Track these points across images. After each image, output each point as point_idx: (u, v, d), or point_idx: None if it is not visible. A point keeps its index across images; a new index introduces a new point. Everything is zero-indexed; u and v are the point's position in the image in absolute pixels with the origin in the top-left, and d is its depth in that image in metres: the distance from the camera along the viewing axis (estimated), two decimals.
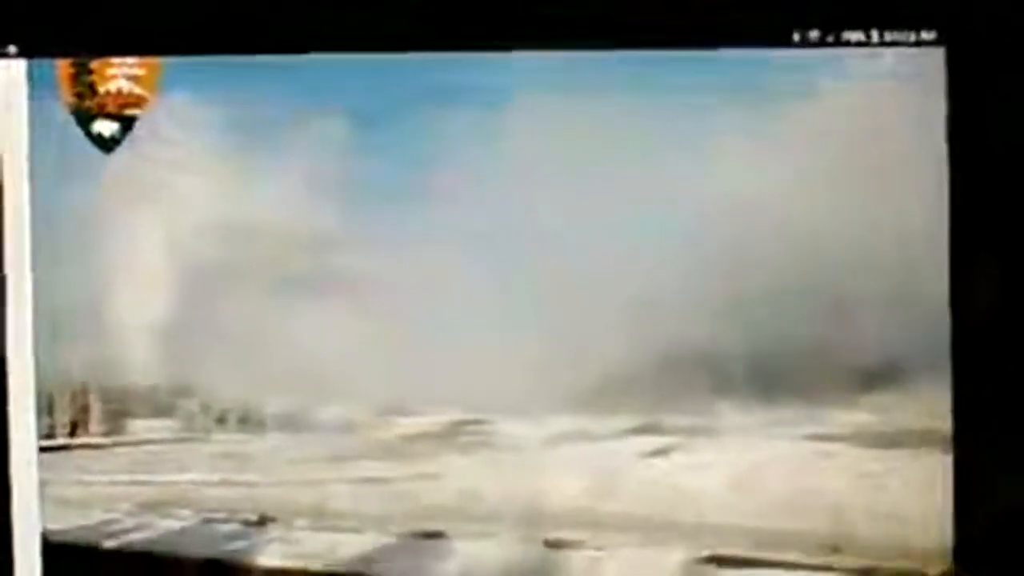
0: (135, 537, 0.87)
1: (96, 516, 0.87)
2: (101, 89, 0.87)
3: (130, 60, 0.87)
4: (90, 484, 0.87)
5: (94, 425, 0.88)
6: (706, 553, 0.85)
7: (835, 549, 0.85)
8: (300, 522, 0.87)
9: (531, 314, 0.87)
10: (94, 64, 0.87)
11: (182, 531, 0.87)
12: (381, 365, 0.87)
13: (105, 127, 0.88)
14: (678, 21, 0.85)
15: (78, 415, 0.87)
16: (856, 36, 0.85)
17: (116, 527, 0.87)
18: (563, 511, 0.87)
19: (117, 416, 0.88)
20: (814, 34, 0.85)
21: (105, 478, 0.88)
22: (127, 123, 0.88)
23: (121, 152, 0.87)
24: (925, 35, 0.85)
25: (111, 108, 0.87)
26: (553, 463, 0.87)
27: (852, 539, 0.85)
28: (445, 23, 0.86)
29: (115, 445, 0.88)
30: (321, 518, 0.88)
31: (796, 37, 0.85)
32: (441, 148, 0.87)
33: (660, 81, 0.85)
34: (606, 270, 0.87)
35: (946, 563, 0.84)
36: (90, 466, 0.88)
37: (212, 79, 0.86)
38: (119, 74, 0.87)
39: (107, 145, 0.88)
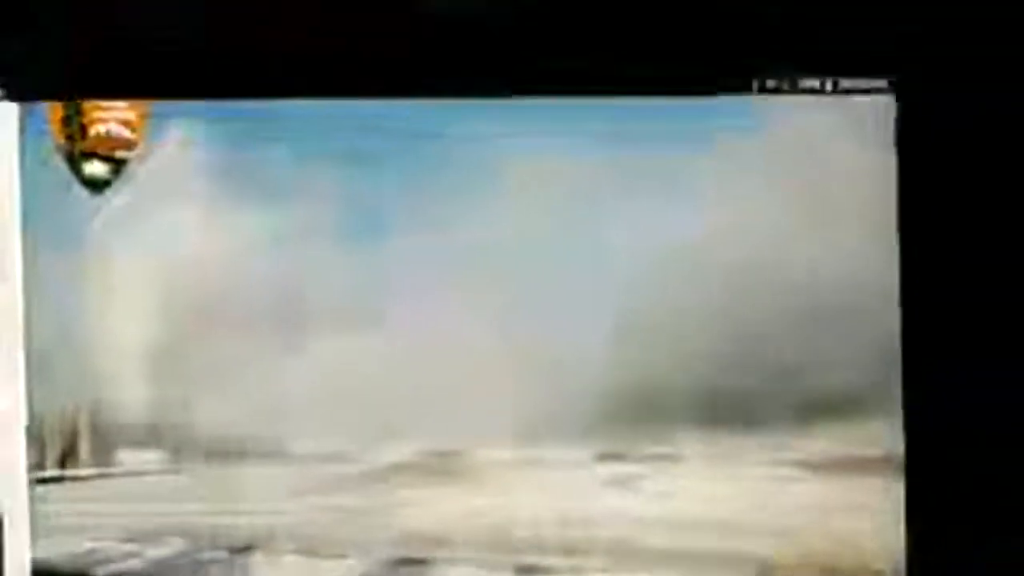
0: (124, 565, 0.89)
1: (85, 545, 0.89)
2: (92, 131, 0.90)
3: (121, 103, 0.90)
4: (80, 514, 0.89)
5: (84, 456, 0.89)
6: None
7: (793, 573, 0.88)
8: (285, 549, 0.89)
9: (504, 348, 0.90)
10: (85, 106, 0.90)
11: (170, 559, 0.89)
12: (361, 397, 0.90)
13: (96, 169, 0.90)
14: (636, 71, 0.89)
15: (69, 446, 0.89)
16: (810, 83, 0.90)
17: (105, 555, 0.89)
18: (534, 538, 0.89)
19: (107, 447, 0.90)
20: (771, 82, 0.90)
21: (95, 508, 0.90)
22: (118, 165, 0.90)
23: (112, 194, 0.91)
24: (876, 83, 0.90)
25: (102, 150, 0.90)
26: (525, 491, 0.89)
27: (810, 563, 0.89)
28: (424, 74, 0.90)
29: (105, 476, 0.90)
30: (305, 545, 0.90)
31: (754, 85, 0.90)
32: (425, 191, 0.90)
33: (615, 129, 0.89)
34: (573, 305, 0.90)
35: None
36: (80, 496, 0.89)
37: (203, 122, 0.89)
38: (110, 117, 0.90)
39: (98, 187, 0.89)
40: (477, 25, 0.88)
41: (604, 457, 0.89)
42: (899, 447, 0.87)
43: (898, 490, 0.88)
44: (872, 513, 0.88)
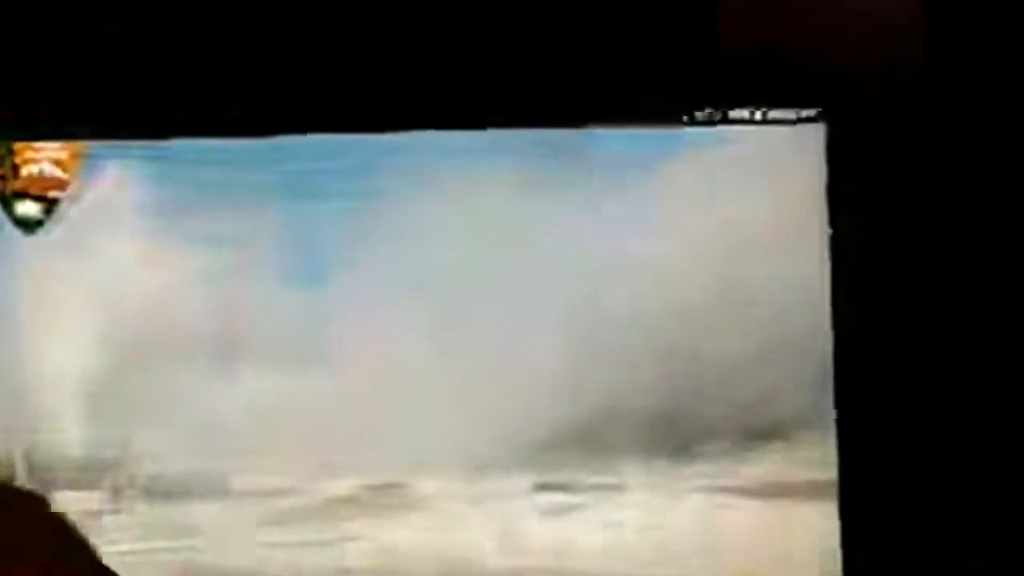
0: None
1: None
2: (24, 172, 0.89)
3: (53, 143, 0.90)
4: None
5: None
6: None
7: None
8: None
9: (445, 381, 0.91)
10: (17, 146, 0.89)
11: None
12: (304, 433, 0.90)
13: (28, 209, 0.89)
14: (577, 101, 0.90)
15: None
16: (742, 114, 0.91)
17: None
18: (478, 568, 0.90)
19: (44, 487, 0.89)
20: (702, 113, 0.91)
21: None
22: (50, 205, 0.90)
23: (44, 234, 0.90)
24: (806, 113, 0.91)
25: (34, 190, 0.89)
26: (467, 522, 0.90)
27: None
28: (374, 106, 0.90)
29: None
30: None
31: (685, 116, 0.91)
32: (367, 224, 0.90)
33: (555, 159, 0.90)
34: (513, 340, 0.90)
35: None
36: None
37: (135, 161, 0.88)
38: (42, 157, 0.90)
39: (30, 227, 0.89)
40: (411, 57, 0.89)
41: (545, 487, 0.90)
42: (832, 471, 0.89)
43: (832, 512, 0.89)
44: (808, 535, 0.89)
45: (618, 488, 0.90)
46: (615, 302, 0.90)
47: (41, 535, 0.39)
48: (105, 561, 0.93)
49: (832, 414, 0.89)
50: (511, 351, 0.90)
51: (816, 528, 0.89)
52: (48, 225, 0.89)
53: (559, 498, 0.90)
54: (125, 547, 0.88)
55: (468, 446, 0.90)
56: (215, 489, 0.89)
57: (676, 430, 0.90)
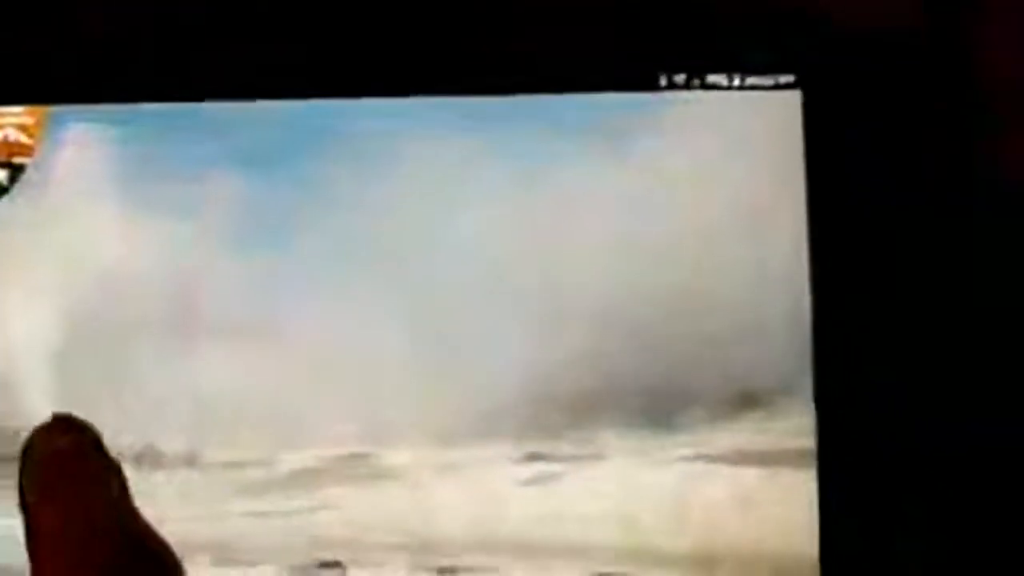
0: None
1: None
2: None
3: (17, 108, 0.88)
4: None
5: None
6: (592, 573, 0.89)
7: (713, 564, 0.89)
8: (200, 557, 0.88)
9: (416, 349, 0.90)
10: None
11: None
12: (272, 402, 0.89)
13: None
14: (547, 65, 0.89)
15: None
16: (718, 79, 0.90)
17: (10, 573, 0.87)
18: (454, 539, 0.89)
19: (7, 461, 0.88)
20: (679, 78, 0.90)
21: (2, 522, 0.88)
22: (15, 171, 0.88)
23: (8, 200, 0.89)
24: (783, 79, 0.90)
25: None
26: (442, 492, 0.89)
27: (729, 554, 0.89)
28: (330, 71, 0.89)
29: (8, 488, 0.88)
30: (220, 552, 0.89)
31: (662, 81, 0.90)
32: (329, 191, 0.89)
33: (520, 126, 0.89)
34: (488, 306, 0.89)
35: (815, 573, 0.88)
36: None
37: (100, 127, 0.88)
38: (6, 122, 0.88)
39: None
40: (374, 20, 0.88)
41: (523, 457, 0.89)
42: (811, 440, 0.88)
43: (812, 481, 0.88)
44: (787, 503, 0.89)
45: (598, 457, 0.89)
46: (589, 272, 0.89)
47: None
48: None
49: (811, 383, 0.88)
50: (485, 321, 0.89)
51: (795, 496, 0.88)
52: (13, 192, 0.88)
53: (537, 467, 0.89)
54: None
55: (442, 415, 0.89)
56: (182, 461, 0.88)
57: (656, 399, 0.89)
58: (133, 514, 0.37)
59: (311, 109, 0.88)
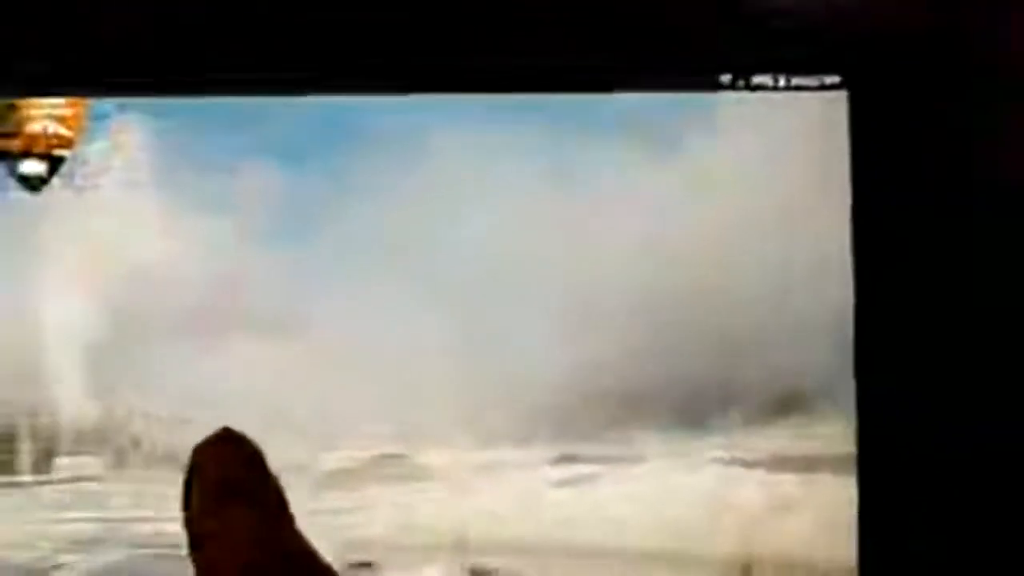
0: (67, 574, 0.87)
1: (26, 555, 0.87)
2: (28, 129, 0.87)
3: (56, 100, 0.88)
4: (20, 523, 0.87)
5: (22, 464, 0.87)
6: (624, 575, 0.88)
7: (749, 570, 0.88)
8: None
9: (451, 349, 0.89)
10: (20, 104, 0.87)
11: (113, 567, 0.87)
12: (308, 402, 0.88)
13: (32, 167, 0.87)
14: (597, 66, 0.88)
15: (5, 454, 0.87)
16: (764, 80, 0.89)
17: (46, 564, 0.87)
18: (487, 540, 0.88)
19: (46, 455, 0.88)
20: (725, 78, 0.89)
21: (35, 516, 0.88)
22: (55, 163, 0.88)
23: (48, 192, 0.88)
24: (829, 80, 0.89)
25: (38, 148, 0.88)
26: (477, 493, 0.88)
27: (765, 559, 0.88)
28: (363, 66, 0.88)
29: (45, 483, 0.88)
30: None
31: (707, 81, 0.89)
32: (362, 185, 0.88)
33: (568, 123, 0.88)
34: (525, 306, 0.89)
35: None
36: (19, 505, 0.87)
37: (138, 120, 0.87)
38: (46, 114, 0.88)
39: (34, 185, 0.87)
40: (408, 15, 0.87)
41: (558, 458, 0.89)
42: (851, 446, 0.87)
43: (851, 487, 0.87)
44: (827, 510, 0.88)
45: (634, 459, 0.88)
46: (627, 273, 0.88)
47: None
48: (110, 528, 0.91)
49: (852, 387, 0.87)
50: (521, 321, 0.88)
51: (834, 502, 0.87)
52: (53, 183, 0.87)
53: (573, 469, 0.88)
54: (128, 512, 0.87)
55: (478, 416, 0.88)
56: None
57: (694, 402, 0.88)
58: (298, 534, 0.37)
59: (345, 104, 0.87)
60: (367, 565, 0.88)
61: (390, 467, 0.88)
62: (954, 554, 0.87)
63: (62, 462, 0.88)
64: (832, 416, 0.87)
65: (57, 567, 0.87)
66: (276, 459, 0.90)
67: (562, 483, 0.88)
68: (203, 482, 0.36)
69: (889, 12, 0.87)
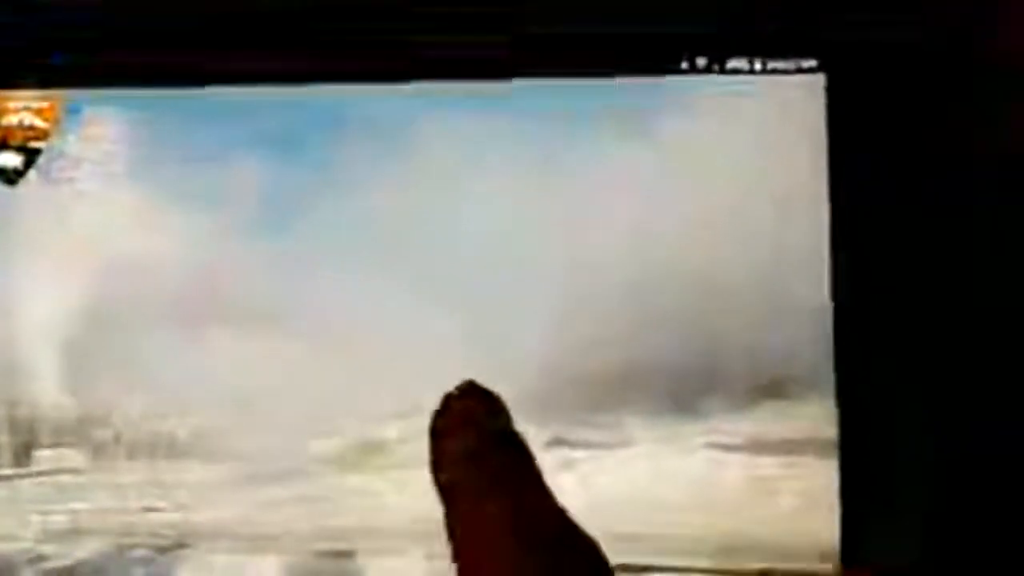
0: (49, 565, 0.87)
1: (6, 546, 0.87)
2: (4, 122, 0.87)
3: (32, 92, 0.87)
4: (0, 515, 0.87)
5: (2, 457, 0.87)
6: (613, 562, 0.88)
7: (732, 553, 0.88)
8: (214, 545, 0.88)
9: (437, 334, 0.89)
10: None
11: (97, 558, 0.87)
12: (289, 390, 0.88)
13: (9, 160, 0.87)
14: (575, 52, 0.88)
15: None
16: (740, 64, 0.89)
17: (29, 556, 0.87)
18: None
19: (27, 447, 0.87)
20: (701, 61, 0.89)
21: (16, 508, 0.87)
22: (31, 156, 0.87)
23: (24, 185, 0.88)
24: (806, 63, 0.89)
25: (14, 141, 0.87)
26: None
27: (748, 543, 0.89)
28: (348, 55, 0.88)
29: (25, 476, 0.87)
30: (234, 541, 0.88)
31: (684, 65, 0.89)
32: (347, 174, 0.88)
33: (537, 110, 0.88)
34: (511, 290, 0.89)
35: (835, 563, 0.88)
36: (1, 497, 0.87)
37: (114, 111, 0.87)
38: (22, 107, 0.87)
39: (10, 178, 0.87)
40: (394, 4, 0.87)
41: (545, 442, 0.88)
42: (833, 429, 0.87)
43: (833, 470, 0.88)
44: (810, 493, 0.88)
45: (621, 443, 0.88)
46: (611, 258, 0.89)
47: None
48: (91, 519, 0.91)
49: (833, 371, 0.87)
50: (508, 306, 0.88)
51: (816, 485, 0.87)
52: (30, 176, 0.87)
53: (560, 453, 0.88)
54: (109, 505, 0.86)
55: None
56: (200, 449, 0.87)
57: (679, 386, 0.88)
58: (547, 489, 0.36)
59: (329, 93, 0.87)
60: (346, 554, 0.88)
61: (375, 454, 0.88)
62: (934, 536, 0.87)
63: (42, 454, 0.87)
64: (814, 400, 0.88)
65: (38, 559, 0.86)
66: (259, 450, 0.90)
67: (549, 468, 0.88)
68: (451, 439, 0.35)
69: None
